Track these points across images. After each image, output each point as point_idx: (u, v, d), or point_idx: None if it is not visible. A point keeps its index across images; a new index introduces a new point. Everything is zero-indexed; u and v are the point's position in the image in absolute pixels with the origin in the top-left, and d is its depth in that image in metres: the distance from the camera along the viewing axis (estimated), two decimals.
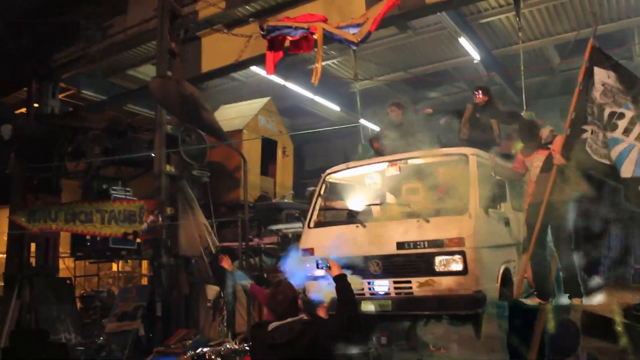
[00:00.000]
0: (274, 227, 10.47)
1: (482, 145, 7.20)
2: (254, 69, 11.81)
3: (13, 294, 11.35)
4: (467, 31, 11.92)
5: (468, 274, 5.81)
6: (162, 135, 10.11)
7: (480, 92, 8.03)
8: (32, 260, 12.08)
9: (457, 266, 5.85)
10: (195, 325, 9.76)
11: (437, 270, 5.94)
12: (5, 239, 12.15)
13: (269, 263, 11.08)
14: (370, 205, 6.89)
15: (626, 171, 5.27)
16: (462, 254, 5.82)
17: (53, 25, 11.81)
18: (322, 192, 7.35)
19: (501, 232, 6.58)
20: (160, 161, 10.03)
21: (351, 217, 6.81)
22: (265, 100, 12.24)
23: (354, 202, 7.06)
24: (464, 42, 11.94)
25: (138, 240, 10.44)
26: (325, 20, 6.27)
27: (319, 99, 14.68)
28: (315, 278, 6.69)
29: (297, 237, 10.92)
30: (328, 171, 7.53)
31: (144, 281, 14.15)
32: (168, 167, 10.09)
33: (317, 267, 4.03)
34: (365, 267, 6.31)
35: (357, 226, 6.56)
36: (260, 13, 10.02)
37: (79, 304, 12.67)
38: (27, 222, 10.07)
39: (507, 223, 6.75)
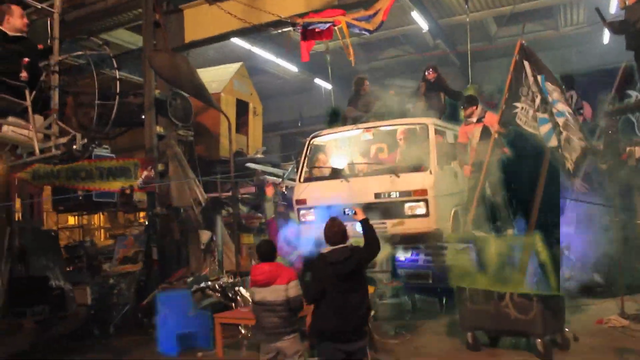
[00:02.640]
0: (253, 165, 12.24)
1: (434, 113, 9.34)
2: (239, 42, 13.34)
3: (3, 246, 12.68)
4: (417, 4, 13.81)
5: (429, 216, 7.99)
6: (150, 99, 11.64)
7: (431, 70, 10.08)
8: (17, 215, 13.42)
9: (421, 210, 8.01)
10: (188, 266, 11.59)
11: (406, 213, 8.08)
12: None
13: (245, 210, 13.01)
14: (354, 164, 8.89)
15: (552, 142, 7.39)
16: (425, 201, 7.98)
17: None
18: (308, 153, 9.28)
19: (452, 184, 8.76)
20: (150, 123, 11.60)
21: (336, 173, 8.80)
22: (238, 65, 13.86)
23: (338, 161, 9.04)
24: (415, 14, 13.86)
25: (128, 192, 11.98)
26: (344, 14, 8.00)
27: (280, 61, 16.35)
28: (307, 223, 8.79)
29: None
30: (313, 135, 9.46)
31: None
32: (158, 128, 11.67)
33: (344, 214, 5.84)
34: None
35: (341, 181, 8.57)
36: None
37: (64, 254, 14.13)
38: (31, 179, 11.39)
39: (455, 176, 8.93)
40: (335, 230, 5.18)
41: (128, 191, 11.49)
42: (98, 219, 20.16)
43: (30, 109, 5.64)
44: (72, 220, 18.24)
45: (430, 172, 8.10)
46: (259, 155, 13.54)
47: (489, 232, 8.21)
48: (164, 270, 11.32)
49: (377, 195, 8.22)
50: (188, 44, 12.02)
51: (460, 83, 15.33)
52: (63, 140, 5.85)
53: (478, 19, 15.15)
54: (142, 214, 17.71)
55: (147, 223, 12.05)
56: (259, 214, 12.95)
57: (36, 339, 10.29)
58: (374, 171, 8.74)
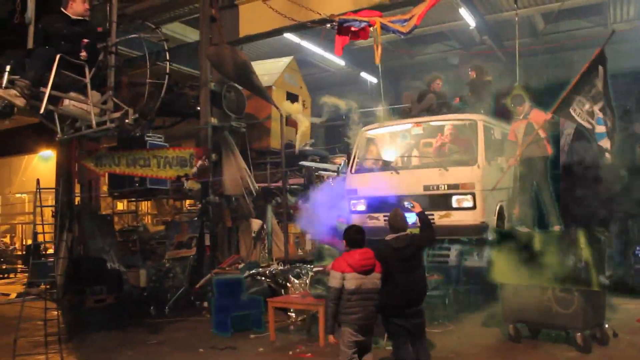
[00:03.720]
0: (306, 163, 12.76)
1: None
2: (289, 36, 13.86)
3: (65, 228, 13.49)
4: (466, 1, 14.05)
5: (476, 209, 8.33)
6: (207, 91, 12.24)
7: (472, 68, 10.46)
8: (77, 199, 14.25)
9: (468, 203, 8.35)
10: (238, 253, 12.20)
11: (454, 206, 8.43)
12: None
13: (292, 201, 13.53)
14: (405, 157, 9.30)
15: (604, 143, 7.71)
16: (472, 194, 8.32)
17: None
18: (359, 145, 9.71)
19: (498, 179, 9.07)
20: (206, 114, 12.21)
21: (387, 165, 9.21)
22: (288, 59, 14.38)
23: (388, 153, 9.46)
24: (463, 11, 14.10)
25: (184, 179, 12.65)
26: (380, 16, 8.42)
27: (327, 54, 16.79)
28: (357, 212, 9.24)
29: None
30: (364, 128, 9.89)
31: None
32: (212, 119, 12.26)
33: (404, 206, 6.34)
34: (399, 204, 8.77)
35: (391, 173, 8.98)
36: None
37: (118, 237, 14.95)
38: (94, 166, 12.16)
39: (502, 171, 9.22)
40: (398, 219, 5.68)
41: (184, 179, 12.13)
42: (145, 205, 21.12)
43: (89, 86, 6.26)
44: (120, 205, 19.15)
45: (478, 167, 8.43)
46: (307, 148, 14.02)
47: (534, 227, 8.54)
48: (215, 256, 11.95)
49: (425, 188, 8.59)
50: (243, 39, 12.59)
51: (506, 79, 15.56)
52: (117, 114, 6.45)
53: (525, 15, 15.25)
54: (188, 202, 18.55)
55: (199, 210, 12.66)
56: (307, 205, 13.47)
57: (99, 315, 11.06)
58: (423, 164, 9.13)
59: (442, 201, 8.47)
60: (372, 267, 5.42)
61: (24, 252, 18.76)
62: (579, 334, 7.08)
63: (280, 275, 10.34)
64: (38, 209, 9.48)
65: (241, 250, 12.32)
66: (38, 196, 12.04)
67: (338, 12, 10.66)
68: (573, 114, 7.85)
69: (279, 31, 12.17)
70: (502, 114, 10.06)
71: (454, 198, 8.44)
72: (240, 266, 11.03)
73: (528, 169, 8.48)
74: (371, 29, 8.43)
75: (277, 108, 12.10)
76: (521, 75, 12.77)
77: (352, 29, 8.57)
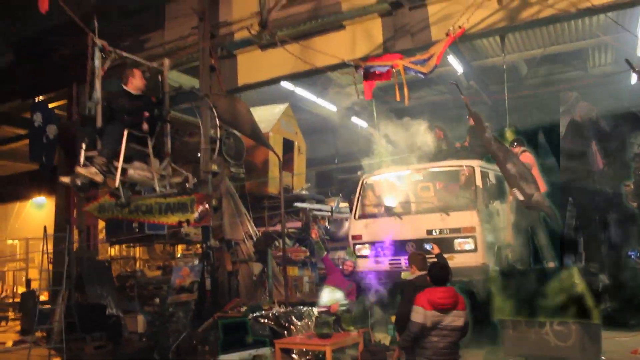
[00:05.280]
0: (301, 205, 13.22)
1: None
2: (284, 83, 14.50)
3: (63, 275, 13.66)
4: (453, 48, 14.82)
5: (477, 251, 8.84)
6: (206, 138, 12.69)
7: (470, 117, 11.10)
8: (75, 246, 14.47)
9: (470, 246, 8.88)
10: (238, 296, 12.47)
11: (456, 249, 8.93)
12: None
13: (290, 244, 13.92)
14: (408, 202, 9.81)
15: None
16: (473, 237, 8.84)
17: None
18: (361, 191, 10.22)
19: (496, 221, 9.61)
20: (206, 160, 12.63)
21: (389, 211, 9.71)
22: (284, 106, 15.00)
23: (390, 199, 9.96)
24: (451, 58, 14.88)
25: (185, 225, 12.98)
26: (401, 58, 8.99)
27: (319, 100, 17.45)
28: (362, 257, 9.69)
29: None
30: (365, 175, 10.41)
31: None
32: (213, 166, 12.69)
33: (425, 248, 6.85)
34: (402, 248, 9.26)
35: (394, 218, 9.47)
36: (290, 37, 12.59)
37: (116, 283, 15.13)
38: (97, 213, 12.47)
39: (498, 214, 9.79)
40: (419, 259, 6.20)
41: (184, 225, 12.46)
42: (138, 250, 21.30)
43: (151, 155, 6.77)
44: (112, 251, 19.35)
45: (478, 211, 8.96)
46: (304, 192, 14.49)
47: (530, 265, 9.07)
48: (216, 300, 12.21)
49: (428, 232, 9.10)
50: (241, 87, 13.17)
51: (492, 122, 16.34)
52: (177, 179, 6.95)
53: (510, 61, 16.10)
54: (181, 247, 18.86)
55: (201, 255, 12.98)
56: (304, 248, 13.86)
57: None
58: (425, 209, 9.64)
59: (444, 244, 8.94)
60: (453, 305, 5.53)
61: (19, 300, 18.67)
62: None
63: (283, 317, 10.62)
64: (41, 255, 9.72)
65: (241, 294, 12.60)
66: (45, 242, 12.38)
67: (333, 60, 11.51)
68: None
69: (277, 79, 12.78)
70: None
71: (456, 241, 8.95)
72: (243, 309, 11.29)
73: (522, 211, 9.04)
74: (393, 70, 8.94)
75: (277, 155, 12.60)
76: (507, 116, 13.60)
77: (377, 72, 9.10)
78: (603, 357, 8.00)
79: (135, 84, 7.01)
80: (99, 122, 6.74)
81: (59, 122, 14.67)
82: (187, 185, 7.04)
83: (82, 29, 7.36)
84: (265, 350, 9.44)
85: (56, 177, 14.70)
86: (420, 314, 5.43)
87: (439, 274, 5.74)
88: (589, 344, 7.66)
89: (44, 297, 18.51)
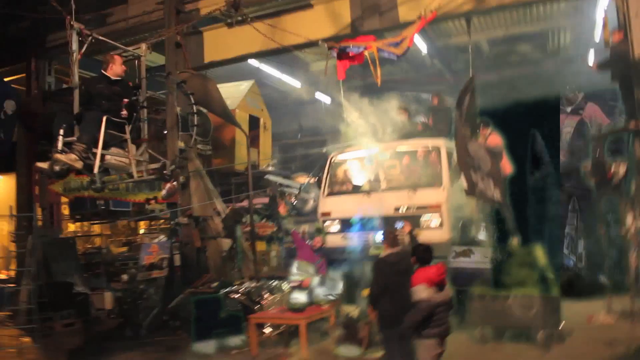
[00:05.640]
0: (272, 178, 13.43)
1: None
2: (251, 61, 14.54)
3: (25, 255, 13.56)
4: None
5: (443, 227, 9.26)
6: (173, 116, 12.71)
7: (436, 96, 11.50)
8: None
9: (436, 222, 9.31)
10: (208, 272, 12.65)
11: (422, 225, 9.33)
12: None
13: (257, 220, 14.16)
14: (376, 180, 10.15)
15: None
16: (440, 214, 9.26)
17: (52, 9, 13.86)
18: (330, 169, 10.49)
19: (460, 199, 10.03)
20: (173, 138, 12.66)
21: (357, 188, 10.03)
22: (250, 83, 15.07)
23: (358, 177, 10.27)
24: (416, 38, 15.09)
25: (153, 202, 13.09)
26: (375, 40, 9.17)
27: (285, 77, 17.55)
28: (331, 233, 10.01)
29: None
30: (333, 153, 10.68)
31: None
32: (179, 143, 12.73)
33: (397, 225, 7.17)
34: (370, 224, 9.61)
35: (363, 195, 9.80)
36: (258, 16, 12.64)
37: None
38: (63, 191, 12.41)
39: (462, 191, 10.21)
40: (391, 237, 6.51)
41: (152, 202, 12.54)
42: (98, 226, 21.15)
43: (129, 141, 6.84)
44: (72, 226, 19.16)
45: (444, 188, 9.37)
46: (270, 168, 14.69)
47: (494, 241, 9.57)
48: (185, 276, 12.37)
49: (396, 209, 9.46)
50: (207, 64, 13.16)
51: (453, 99, 16.77)
52: (155, 166, 7.03)
53: (473, 41, 16.45)
54: (142, 223, 18.88)
55: (169, 232, 13.10)
56: (271, 223, 14.12)
57: (72, 339, 11.30)
58: (393, 186, 10.00)
59: (411, 221, 9.30)
60: (446, 281, 5.88)
61: None
62: (541, 332, 8.07)
63: (255, 292, 10.89)
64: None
65: (210, 270, 12.79)
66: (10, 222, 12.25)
67: (301, 40, 11.66)
68: None
69: (244, 57, 12.83)
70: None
71: (423, 218, 9.34)
72: (214, 285, 11.51)
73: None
74: (366, 52, 9.15)
75: (244, 131, 12.73)
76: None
77: (350, 54, 9.30)
78: (563, 323, 8.60)
79: (115, 69, 7.07)
80: (77, 108, 6.82)
81: (17, 97, 14.35)
82: (165, 172, 7.10)
83: (39, 1, 7.27)
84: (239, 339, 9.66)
85: (15, 154, 14.60)
86: (424, 292, 5.68)
87: (425, 255, 6.06)
88: (550, 314, 8.23)
89: (2, 275, 18.34)
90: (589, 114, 11.83)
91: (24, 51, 14.55)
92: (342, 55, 9.34)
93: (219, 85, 14.73)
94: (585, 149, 9.78)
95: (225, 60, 13.07)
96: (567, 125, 9.77)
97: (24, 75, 15.13)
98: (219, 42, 12.90)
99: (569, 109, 10.69)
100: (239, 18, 11.22)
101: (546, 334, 8.14)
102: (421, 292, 5.73)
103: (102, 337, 11.32)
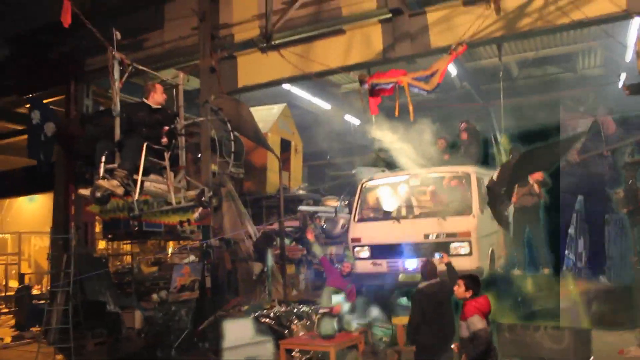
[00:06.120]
0: (304, 208, 13.65)
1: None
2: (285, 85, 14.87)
3: (61, 271, 13.94)
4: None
5: (472, 255, 9.33)
6: (207, 139, 13.02)
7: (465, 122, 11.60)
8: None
9: (466, 250, 9.36)
10: (238, 295, 12.86)
11: (452, 253, 9.39)
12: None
13: (288, 243, 14.35)
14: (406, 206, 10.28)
15: None
16: (469, 242, 9.33)
17: (91, 34, 14.37)
18: (360, 195, 10.66)
19: (490, 226, 10.09)
20: (207, 161, 12.98)
21: (388, 215, 10.16)
22: (282, 106, 15.38)
23: (388, 203, 10.41)
24: None
25: (186, 225, 13.37)
26: (405, 74, 9.35)
27: (315, 99, 17.82)
28: (361, 259, 10.14)
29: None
30: (364, 179, 10.85)
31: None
32: (213, 166, 13.03)
33: (435, 256, 7.35)
34: (400, 251, 9.73)
35: (393, 222, 9.93)
36: (290, 41, 12.94)
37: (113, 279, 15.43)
38: (100, 212, 12.77)
39: (492, 218, 10.26)
40: (429, 268, 6.65)
41: (186, 224, 12.82)
42: (129, 245, 21.61)
43: (168, 168, 7.12)
44: (102, 244, 19.63)
45: (474, 216, 9.45)
46: (300, 192, 14.91)
47: (525, 270, 9.60)
48: (216, 299, 12.59)
49: (426, 236, 9.57)
50: (241, 89, 13.48)
51: (484, 122, 16.86)
52: (193, 193, 7.27)
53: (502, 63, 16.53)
54: (171, 243, 19.28)
55: (201, 254, 13.36)
56: (300, 246, 14.30)
57: (105, 358, 11.58)
58: (423, 213, 10.11)
59: (441, 248, 9.42)
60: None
61: (13, 294, 18.88)
62: None
63: (284, 317, 11.03)
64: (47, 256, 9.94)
65: (240, 293, 13.00)
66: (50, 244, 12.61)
67: (337, 64, 11.92)
68: None
69: (277, 82, 13.11)
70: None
71: (452, 245, 9.43)
72: (244, 308, 11.69)
73: (521, 216, 9.57)
74: (397, 86, 9.31)
75: (276, 155, 12.98)
76: (500, 118, 14.06)
77: (381, 88, 9.47)
78: (592, 357, 8.55)
79: (155, 98, 7.28)
80: (117, 135, 6.96)
81: (57, 120, 14.87)
82: (203, 199, 7.30)
83: (78, 27, 7.52)
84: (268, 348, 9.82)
85: (53, 173, 15.07)
86: (480, 322, 5.84)
87: (475, 286, 6.16)
88: (581, 347, 8.21)
89: (36, 291, 18.82)
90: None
91: (64, 74, 15.02)
92: (374, 91, 9.50)
93: (253, 109, 15.12)
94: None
95: (258, 85, 13.36)
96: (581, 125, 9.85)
97: (62, 97, 15.62)
98: (252, 67, 13.19)
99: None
100: (272, 44, 11.45)
101: None
102: (477, 323, 5.85)
103: (132, 357, 11.52)
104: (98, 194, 6.74)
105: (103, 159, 6.71)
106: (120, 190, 6.62)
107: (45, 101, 15.94)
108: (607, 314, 10.84)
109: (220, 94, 12.44)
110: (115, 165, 6.77)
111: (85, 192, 6.95)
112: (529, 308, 8.74)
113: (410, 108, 8.97)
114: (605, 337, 10.26)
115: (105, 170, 6.68)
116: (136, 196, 6.82)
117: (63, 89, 15.29)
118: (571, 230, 11.85)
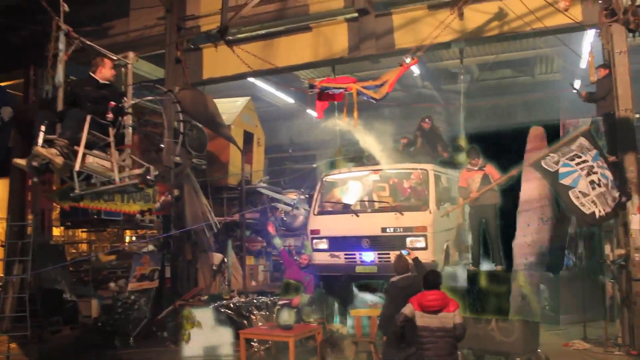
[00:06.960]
0: (264, 191, 13.92)
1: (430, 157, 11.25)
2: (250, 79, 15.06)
3: (16, 259, 13.82)
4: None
5: (428, 249, 9.76)
6: (170, 130, 13.14)
7: (427, 119, 12.02)
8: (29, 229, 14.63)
9: (421, 244, 9.77)
10: (197, 285, 13.06)
11: (408, 246, 9.78)
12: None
13: (247, 234, 14.61)
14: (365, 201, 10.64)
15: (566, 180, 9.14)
16: (425, 236, 9.75)
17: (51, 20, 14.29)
18: (321, 189, 10.99)
19: (445, 222, 10.55)
20: (169, 152, 13.10)
21: (347, 208, 10.52)
22: (246, 99, 15.56)
23: (348, 197, 10.77)
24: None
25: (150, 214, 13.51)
26: (355, 82, 9.66)
27: (279, 93, 18.07)
28: (319, 250, 10.48)
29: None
30: (324, 174, 11.19)
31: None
32: (175, 158, 13.16)
33: (402, 253, 7.72)
34: (358, 243, 10.11)
35: (352, 215, 10.30)
36: (255, 37, 13.17)
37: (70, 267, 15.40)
38: (59, 200, 12.76)
39: (448, 215, 10.73)
40: (402, 263, 7.01)
41: (147, 214, 12.95)
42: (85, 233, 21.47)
43: (112, 144, 7.00)
44: (57, 231, 19.44)
45: (430, 212, 9.88)
46: (262, 184, 15.15)
47: (479, 265, 10.11)
48: (175, 288, 12.77)
49: (383, 230, 9.97)
50: (206, 80, 13.62)
51: (445, 121, 17.43)
52: (138, 171, 7.17)
53: (464, 64, 17.10)
54: (128, 232, 19.32)
55: (160, 244, 13.51)
56: (260, 238, 14.58)
57: (62, 347, 11.62)
58: (381, 208, 10.51)
59: (397, 242, 9.82)
60: (441, 307, 6.04)
61: None
62: (518, 358, 8.51)
63: (244, 307, 11.28)
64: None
65: (200, 283, 13.20)
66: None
67: (300, 61, 12.21)
68: (542, 163, 9.33)
69: (242, 75, 13.28)
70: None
71: (409, 239, 9.83)
72: (204, 298, 11.92)
73: (480, 213, 10.07)
74: (345, 93, 9.61)
75: (239, 147, 13.19)
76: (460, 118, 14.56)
77: (330, 93, 9.77)
78: (539, 350, 9.08)
79: (104, 73, 7.13)
80: (60, 106, 6.81)
81: (15, 104, 14.72)
82: (149, 177, 7.08)
83: (40, 11, 7.38)
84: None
85: (10, 159, 14.90)
86: (407, 308, 6.12)
87: (429, 278, 6.35)
88: (529, 339, 8.70)
89: None
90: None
91: (23, 59, 14.90)
92: (322, 95, 9.79)
93: (216, 102, 15.28)
94: None
95: (223, 78, 13.50)
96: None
97: (21, 81, 15.47)
98: (217, 60, 13.29)
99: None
100: (228, 38, 11.56)
101: (525, 359, 8.57)
102: (405, 308, 6.17)
103: (90, 345, 11.60)
104: (35, 163, 6.41)
105: (43, 128, 6.38)
106: (59, 160, 6.33)
107: (1, 83, 15.71)
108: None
109: (185, 86, 12.59)
110: (56, 136, 6.50)
111: (21, 161, 6.62)
112: (481, 302, 9.19)
113: (355, 115, 9.28)
114: (552, 331, 10.94)
115: (45, 141, 6.36)
116: (77, 167, 6.49)
117: (22, 73, 15.16)
118: (571, 230, 12.43)
